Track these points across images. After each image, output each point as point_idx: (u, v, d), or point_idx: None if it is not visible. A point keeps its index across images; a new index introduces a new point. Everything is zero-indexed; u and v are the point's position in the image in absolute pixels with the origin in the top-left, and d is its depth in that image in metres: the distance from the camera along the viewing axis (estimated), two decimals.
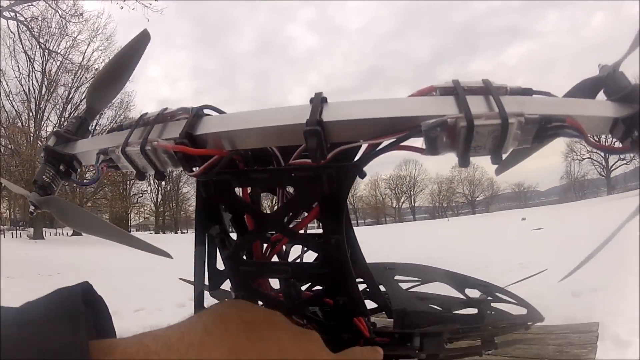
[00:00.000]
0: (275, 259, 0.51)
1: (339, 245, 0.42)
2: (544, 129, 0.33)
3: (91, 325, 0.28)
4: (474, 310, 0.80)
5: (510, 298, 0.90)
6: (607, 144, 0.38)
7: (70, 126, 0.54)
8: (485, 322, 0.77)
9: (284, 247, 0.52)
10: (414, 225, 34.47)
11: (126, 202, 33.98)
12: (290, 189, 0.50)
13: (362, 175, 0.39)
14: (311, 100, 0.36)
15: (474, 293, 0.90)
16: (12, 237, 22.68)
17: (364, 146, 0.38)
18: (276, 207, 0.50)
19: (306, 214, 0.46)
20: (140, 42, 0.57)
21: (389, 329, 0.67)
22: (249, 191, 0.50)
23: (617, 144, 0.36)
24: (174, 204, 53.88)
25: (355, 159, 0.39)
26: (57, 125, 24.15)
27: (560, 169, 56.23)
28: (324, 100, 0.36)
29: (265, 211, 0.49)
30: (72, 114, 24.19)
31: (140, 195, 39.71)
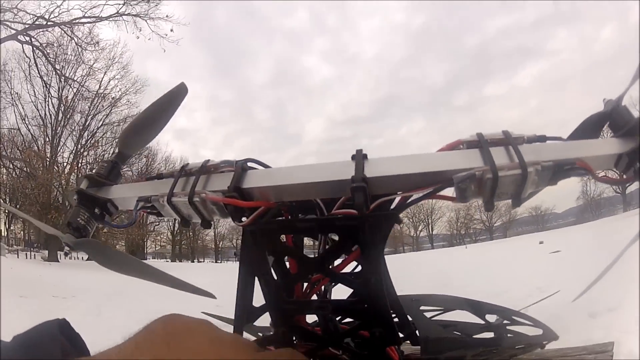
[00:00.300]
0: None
1: (378, 284, 0.45)
2: (557, 172, 0.37)
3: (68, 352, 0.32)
4: (492, 334, 0.84)
5: (526, 320, 0.93)
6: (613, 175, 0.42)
7: (102, 170, 0.56)
8: (503, 344, 0.81)
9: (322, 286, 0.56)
10: (432, 253, 34.14)
11: (143, 230, 33.89)
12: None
13: (399, 221, 0.42)
14: (353, 157, 0.41)
15: (492, 318, 0.93)
16: (27, 258, 22.82)
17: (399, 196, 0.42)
18: (317, 250, 0.54)
19: (345, 256, 0.49)
20: (177, 94, 0.59)
21: (416, 356, 0.71)
22: (292, 236, 0.53)
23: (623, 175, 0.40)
24: (190, 233, 53.90)
25: (392, 207, 0.43)
26: (74, 151, 24.51)
27: (576, 189, 55.56)
28: (365, 157, 0.41)
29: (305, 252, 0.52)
30: (88, 141, 24.53)
31: (157, 223, 39.84)
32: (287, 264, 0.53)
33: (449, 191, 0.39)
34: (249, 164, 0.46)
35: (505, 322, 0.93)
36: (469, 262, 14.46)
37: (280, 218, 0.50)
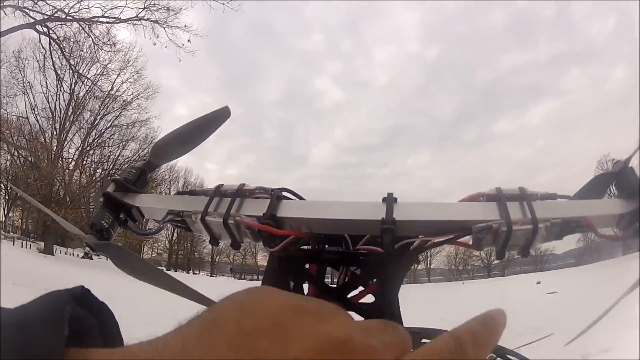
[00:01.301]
0: None
1: (392, 316, 0.47)
2: (564, 229, 0.41)
3: (87, 331, 0.24)
4: None
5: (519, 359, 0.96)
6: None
7: (129, 176, 0.56)
8: None
9: None
10: (428, 288, 33.79)
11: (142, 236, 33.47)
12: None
13: (418, 262, 0.47)
14: (384, 200, 0.45)
15: (489, 356, 0.96)
16: (22, 246, 22.66)
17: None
18: (337, 280, 0.56)
19: (362, 287, 0.52)
20: (220, 116, 0.60)
21: None
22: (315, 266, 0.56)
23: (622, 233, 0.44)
24: (188, 244, 53.45)
25: (412, 247, 0.46)
26: (80, 148, 24.50)
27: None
28: (395, 200, 0.45)
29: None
30: (95, 140, 24.53)
31: (212, 245, 39.27)
32: (306, 290, 0.55)
33: (466, 238, 0.42)
34: (284, 193, 0.49)
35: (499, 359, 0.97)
36: (465, 298, 14.36)
37: (307, 247, 0.52)
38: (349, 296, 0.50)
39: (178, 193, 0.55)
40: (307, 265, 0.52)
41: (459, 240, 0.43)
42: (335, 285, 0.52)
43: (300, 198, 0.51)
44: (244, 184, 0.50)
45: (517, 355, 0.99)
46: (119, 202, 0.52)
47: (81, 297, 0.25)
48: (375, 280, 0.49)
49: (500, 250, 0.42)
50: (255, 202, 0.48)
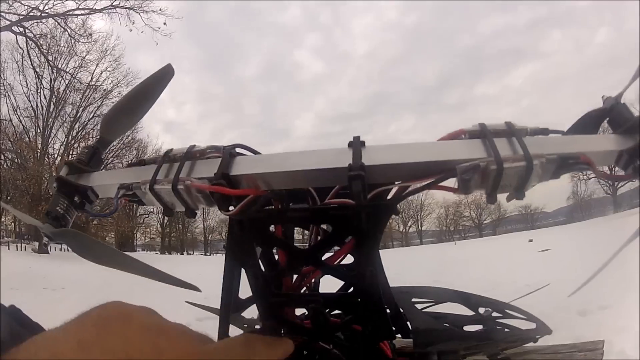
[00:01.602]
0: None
1: (372, 277, 0.43)
2: (560, 166, 0.36)
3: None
4: (485, 327, 0.84)
5: (519, 313, 0.93)
6: (613, 173, 0.41)
7: (82, 156, 0.53)
8: (496, 337, 0.80)
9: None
10: (421, 249, 34.24)
11: (132, 222, 33.71)
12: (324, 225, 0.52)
13: (397, 212, 0.40)
14: (350, 144, 0.39)
15: (484, 311, 0.93)
16: (17, 249, 22.65)
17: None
18: (308, 241, 0.52)
19: (337, 247, 0.47)
20: (163, 76, 0.56)
21: (409, 349, 0.70)
22: (282, 227, 0.51)
23: (621, 172, 0.39)
24: (180, 225, 53.75)
25: (389, 197, 0.41)
26: (64, 143, 24.41)
27: (567, 189, 55.95)
28: (362, 144, 0.39)
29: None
30: (79, 133, 24.39)
31: (147, 215, 39.49)
32: (276, 255, 0.51)
33: (450, 182, 0.37)
34: (238, 149, 0.44)
35: (497, 315, 0.93)
36: (457, 258, 14.52)
37: (269, 207, 0.48)
38: (323, 258, 0.45)
39: (129, 165, 0.50)
40: (272, 228, 0.48)
41: (441, 184, 0.37)
42: (305, 248, 0.48)
43: (256, 153, 0.45)
44: (195, 145, 0.45)
45: (515, 309, 0.96)
46: (72, 185, 0.48)
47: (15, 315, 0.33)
48: (350, 237, 0.44)
49: (491, 192, 0.36)
50: (207, 163, 0.42)
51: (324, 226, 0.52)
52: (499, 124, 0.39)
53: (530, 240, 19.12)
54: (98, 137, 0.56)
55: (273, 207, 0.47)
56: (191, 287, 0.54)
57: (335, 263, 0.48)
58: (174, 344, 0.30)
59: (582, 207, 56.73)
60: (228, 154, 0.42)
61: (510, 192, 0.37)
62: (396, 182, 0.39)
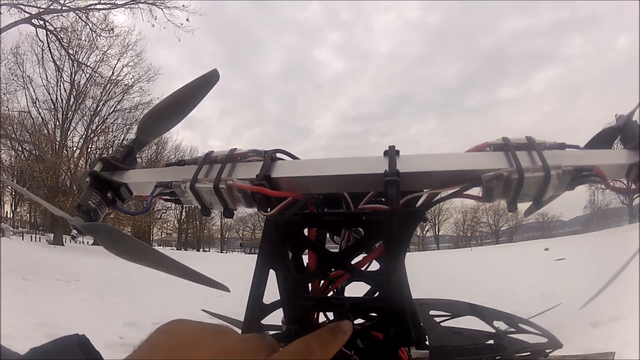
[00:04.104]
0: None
1: (399, 282, 0.45)
2: (575, 178, 0.39)
3: None
4: (500, 340, 0.87)
5: (532, 328, 0.95)
6: (624, 185, 0.43)
7: (117, 154, 0.54)
8: (508, 351, 0.83)
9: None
10: (437, 255, 33.99)
11: (150, 217, 33.88)
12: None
13: (425, 219, 0.43)
14: (385, 153, 0.42)
15: (499, 324, 0.95)
16: (32, 240, 22.99)
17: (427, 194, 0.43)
18: (339, 245, 0.54)
19: (364, 254, 0.49)
20: (208, 80, 0.57)
21: (426, 358, 0.72)
22: (316, 231, 0.53)
23: (632, 186, 0.41)
24: (197, 222, 53.92)
25: (418, 204, 0.44)
26: (84, 136, 24.60)
27: (583, 198, 55.25)
28: (397, 152, 0.42)
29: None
30: (99, 127, 24.64)
31: (164, 211, 39.77)
32: (305, 260, 0.52)
33: (475, 191, 0.40)
34: (278, 154, 0.46)
35: (511, 329, 0.95)
36: (474, 265, 14.42)
37: (306, 211, 0.50)
38: (353, 262, 0.47)
39: (166, 165, 0.52)
40: (306, 231, 0.49)
41: (467, 192, 0.40)
42: (336, 251, 0.50)
43: (295, 158, 0.48)
44: (235, 149, 0.47)
45: (529, 324, 0.98)
46: (106, 181, 0.50)
47: (82, 343, 0.36)
48: (379, 243, 0.46)
49: (512, 201, 0.39)
50: (248, 166, 0.45)
51: (356, 234, 0.54)
52: (520, 138, 0.42)
53: (547, 249, 18.88)
54: (134, 137, 0.57)
55: (309, 211, 0.49)
56: (220, 286, 0.55)
57: (364, 269, 0.50)
58: None
59: (599, 217, 55.83)
60: (270, 157, 0.44)
61: (530, 201, 0.40)
62: (425, 190, 0.42)
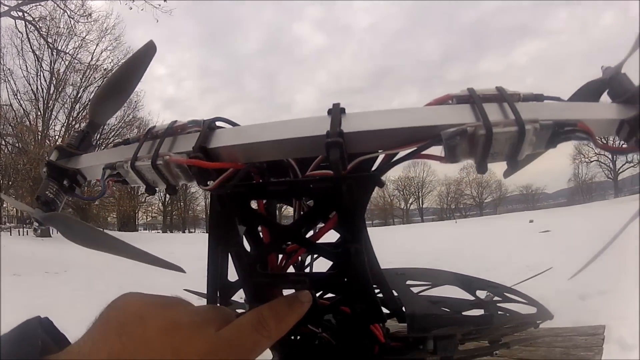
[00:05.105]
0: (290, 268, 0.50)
1: (358, 254, 0.41)
2: (556, 134, 0.34)
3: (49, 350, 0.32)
4: (483, 311, 0.82)
5: (520, 298, 0.91)
6: (613, 145, 0.39)
7: (72, 140, 0.53)
8: (495, 322, 0.79)
9: (299, 257, 0.52)
10: (421, 227, 34.27)
11: (134, 201, 33.92)
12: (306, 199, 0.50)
13: (381, 184, 0.39)
14: (329, 112, 0.37)
15: (484, 294, 0.91)
16: (19, 234, 22.81)
17: (382, 155, 0.38)
18: (292, 217, 0.50)
19: (322, 224, 0.46)
20: (146, 53, 0.55)
21: (403, 334, 0.68)
22: (265, 203, 0.50)
23: (623, 145, 0.37)
24: (181, 204, 54.02)
25: (373, 168, 0.39)
26: (65, 124, 24.32)
27: (568, 171, 55.85)
28: (342, 111, 0.37)
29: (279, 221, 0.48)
30: (80, 114, 24.34)
31: (148, 195, 39.90)
32: (261, 233, 0.49)
33: (437, 150, 0.35)
34: (218, 123, 0.42)
35: (496, 298, 0.91)
36: (458, 237, 14.54)
37: (250, 182, 0.46)
38: (307, 235, 0.44)
39: (114, 145, 0.49)
40: (255, 205, 0.46)
41: (427, 152, 0.35)
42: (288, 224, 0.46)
43: (236, 125, 0.43)
44: (176, 121, 0.44)
45: (516, 292, 0.95)
46: (61, 169, 0.49)
47: (45, 326, 0.35)
48: (334, 213, 0.42)
49: (481, 160, 0.34)
50: (188, 138, 0.41)
51: (309, 203, 0.51)
52: (489, 88, 0.37)
53: (531, 221, 19.08)
54: (88, 121, 0.57)
55: (254, 181, 0.46)
56: (176, 268, 0.53)
57: (320, 241, 0.47)
58: (189, 341, 0.32)
59: (583, 190, 56.68)
60: (207, 127, 0.40)
61: (503, 160, 0.35)
62: (379, 151, 0.37)
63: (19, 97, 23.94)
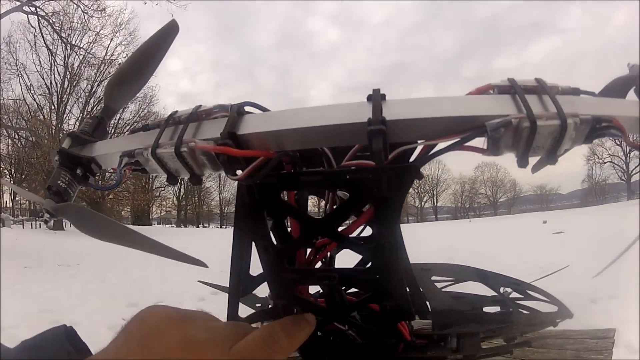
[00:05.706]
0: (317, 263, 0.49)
1: (392, 251, 0.40)
2: (593, 129, 0.33)
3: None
4: (505, 309, 0.81)
5: (541, 295, 0.90)
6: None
7: (86, 127, 0.50)
8: (517, 320, 0.77)
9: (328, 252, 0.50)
10: (436, 226, 34.03)
11: (148, 196, 34.00)
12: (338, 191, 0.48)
13: (420, 177, 0.37)
14: (369, 97, 0.35)
15: (506, 291, 0.90)
16: (32, 227, 23.07)
17: (420, 146, 0.36)
18: (323, 210, 0.48)
19: (354, 217, 0.44)
20: (168, 33, 0.51)
21: (427, 331, 0.67)
22: (295, 194, 0.47)
23: None
24: (196, 198, 54.33)
25: (412, 160, 0.38)
26: (80, 118, 24.44)
27: (582, 172, 55.22)
28: (383, 97, 0.35)
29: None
30: (95, 108, 24.49)
31: (163, 188, 39.70)
32: (289, 226, 0.47)
33: (479, 141, 0.33)
34: (247, 108, 0.40)
35: (517, 295, 0.90)
36: (473, 236, 14.44)
37: (281, 172, 0.44)
38: (340, 229, 0.42)
39: (131, 132, 0.46)
40: (285, 196, 0.44)
41: (469, 143, 0.33)
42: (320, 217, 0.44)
43: (266, 110, 0.41)
44: (200, 106, 0.41)
45: (538, 290, 0.93)
46: (74, 157, 0.46)
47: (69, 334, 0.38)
48: (368, 206, 0.41)
49: (523, 154, 0.32)
50: (214, 123, 0.38)
51: (341, 194, 0.49)
52: (529, 79, 0.36)
53: (545, 222, 18.88)
54: (103, 106, 0.53)
55: (285, 171, 0.44)
56: (197, 262, 0.51)
57: (353, 235, 0.45)
58: (202, 357, 0.33)
59: (597, 192, 55.95)
60: (236, 112, 0.38)
61: (542, 154, 0.34)
62: (420, 141, 0.35)
63: (32, 92, 24.22)
